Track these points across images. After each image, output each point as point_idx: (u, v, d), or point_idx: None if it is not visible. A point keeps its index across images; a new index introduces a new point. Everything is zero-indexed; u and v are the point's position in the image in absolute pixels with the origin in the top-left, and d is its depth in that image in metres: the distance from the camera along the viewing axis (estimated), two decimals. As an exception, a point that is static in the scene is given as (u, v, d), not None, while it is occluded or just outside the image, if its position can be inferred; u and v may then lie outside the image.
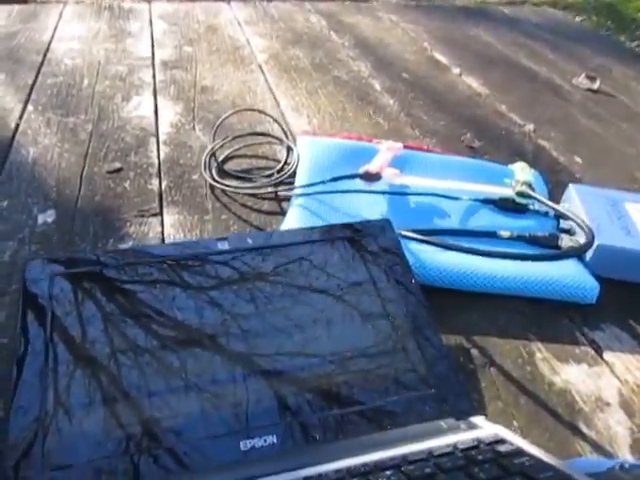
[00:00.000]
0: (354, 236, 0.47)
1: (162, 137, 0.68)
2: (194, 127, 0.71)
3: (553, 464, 0.31)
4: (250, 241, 0.45)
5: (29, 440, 0.34)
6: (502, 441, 0.34)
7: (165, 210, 0.56)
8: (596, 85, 0.94)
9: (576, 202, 0.57)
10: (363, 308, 0.42)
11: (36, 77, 0.80)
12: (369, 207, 0.56)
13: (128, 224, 0.54)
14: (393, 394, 0.38)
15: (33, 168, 0.61)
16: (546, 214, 0.58)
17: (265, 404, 0.37)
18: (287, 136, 0.67)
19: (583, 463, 0.33)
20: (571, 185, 0.59)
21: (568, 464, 0.32)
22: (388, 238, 0.48)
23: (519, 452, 0.32)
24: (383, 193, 0.56)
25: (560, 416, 0.41)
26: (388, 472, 0.31)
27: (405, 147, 0.65)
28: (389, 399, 0.38)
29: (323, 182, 0.55)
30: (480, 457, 0.32)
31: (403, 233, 0.50)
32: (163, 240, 0.53)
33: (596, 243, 0.51)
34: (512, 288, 0.49)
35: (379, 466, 0.32)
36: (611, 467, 0.32)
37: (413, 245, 0.51)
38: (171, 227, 0.54)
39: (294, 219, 0.52)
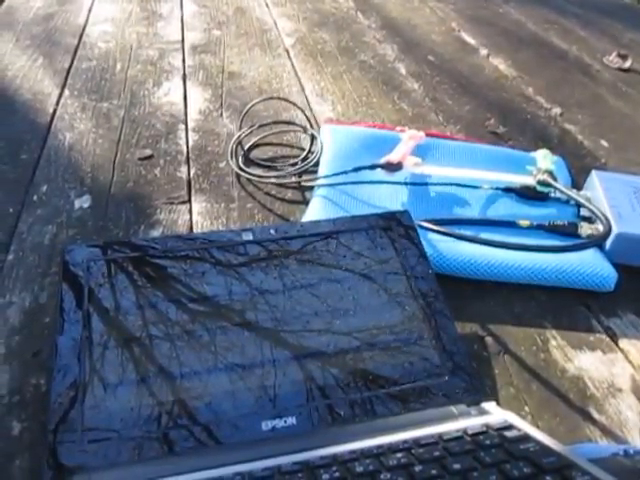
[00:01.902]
0: (373, 227, 0.49)
1: (191, 124, 0.70)
2: (221, 114, 0.73)
3: (557, 450, 0.32)
4: (273, 232, 0.47)
5: (67, 406, 0.37)
6: (510, 427, 0.35)
7: (193, 198, 0.59)
8: (627, 64, 0.92)
9: (598, 189, 0.57)
10: (380, 298, 0.44)
11: (72, 61, 0.83)
12: (390, 197, 0.57)
13: (158, 211, 0.57)
14: (408, 380, 0.40)
15: (69, 154, 0.64)
16: (567, 202, 0.58)
17: (285, 387, 0.39)
18: (311, 124, 0.69)
19: (588, 449, 0.35)
20: (593, 171, 0.59)
21: (573, 449, 0.34)
22: (407, 229, 0.49)
23: (526, 438, 0.34)
24: (404, 184, 0.57)
25: (571, 402, 0.42)
26: (399, 454, 0.33)
27: (427, 135, 0.65)
28: (404, 385, 0.40)
29: (345, 172, 0.57)
30: (487, 442, 0.34)
31: (421, 224, 0.51)
32: (191, 227, 0.55)
33: (616, 231, 0.52)
34: (529, 277, 0.50)
35: (391, 448, 0.34)
36: (615, 452, 0.33)
37: (431, 235, 0.52)
38: (199, 215, 0.57)
39: (316, 210, 0.54)
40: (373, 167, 0.58)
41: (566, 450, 0.33)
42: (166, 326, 0.41)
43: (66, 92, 0.75)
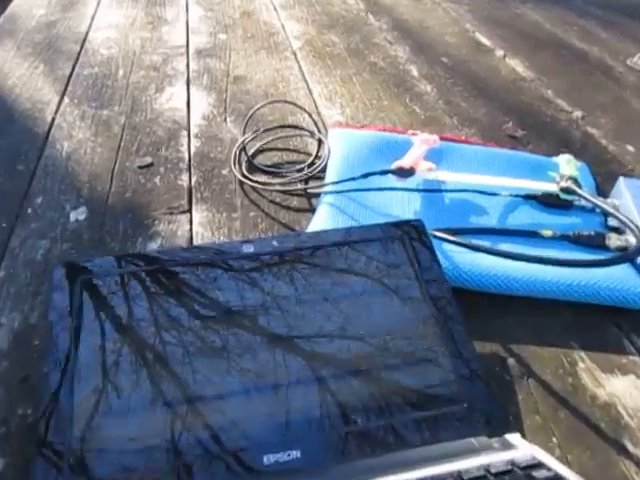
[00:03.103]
0: (383, 239, 0.45)
1: (194, 130, 0.68)
2: (225, 119, 0.70)
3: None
4: (275, 244, 0.44)
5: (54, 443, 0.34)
6: (539, 465, 0.32)
7: (194, 207, 0.56)
8: (652, 65, 0.88)
9: (626, 197, 0.53)
10: (392, 316, 0.41)
11: (73, 68, 0.80)
12: (402, 204, 0.54)
13: (157, 222, 0.54)
14: (422, 409, 0.36)
15: (67, 163, 0.61)
16: (592, 210, 0.54)
17: (289, 416, 0.36)
18: (318, 128, 0.65)
19: None
20: (621, 178, 0.56)
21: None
22: (420, 240, 0.45)
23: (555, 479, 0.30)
24: (416, 191, 0.54)
25: (603, 432, 0.38)
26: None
27: (441, 139, 0.62)
28: (417, 414, 0.36)
29: (354, 179, 0.53)
30: (513, 483, 0.30)
31: (436, 234, 0.48)
32: (191, 239, 0.52)
33: (647, 245, 0.48)
34: (553, 292, 0.46)
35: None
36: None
37: (447, 246, 0.49)
38: (199, 225, 0.54)
39: (323, 219, 0.51)
40: (383, 173, 0.54)
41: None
42: (153, 350, 0.38)
43: (66, 100, 0.73)
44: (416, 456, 0.34)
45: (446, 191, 0.55)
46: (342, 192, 0.53)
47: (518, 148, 0.66)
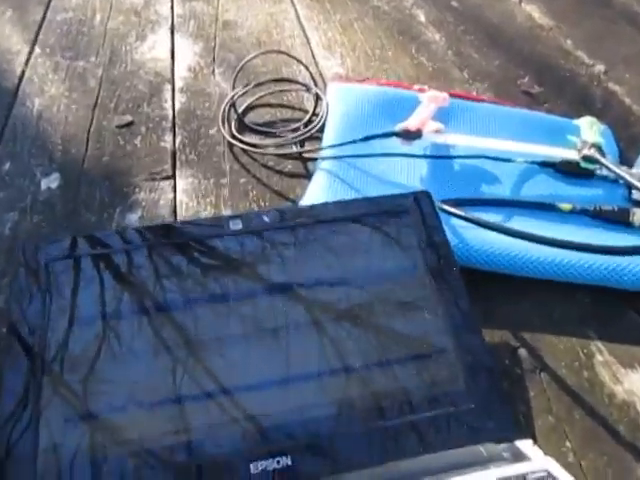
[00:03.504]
0: (386, 213, 0.41)
1: (178, 84, 0.61)
2: (214, 71, 0.63)
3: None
4: (266, 219, 0.40)
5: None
6: (553, 483, 0.28)
7: (178, 173, 0.51)
8: (682, 11, 0.80)
9: (653, 167, 0.48)
10: (393, 305, 0.37)
11: (45, 13, 0.73)
12: (407, 171, 0.49)
13: (137, 190, 0.49)
14: (424, 411, 0.33)
15: (38, 123, 0.56)
16: (616, 181, 0.50)
17: (278, 418, 0.32)
18: (315, 82, 0.59)
19: None
20: (649, 145, 0.50)
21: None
22: (427, 215, 0.41)
23: (573, 504, 0.27)
24: (422, 157, 0.49)
25: (621, 436, 0.35)
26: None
27: (451, 95, 0.56)
28: (418, 417, 0.33)
29: (354, 141, 0.48)
30: (527, 510, 0.27)
31: (445, 207, 0.43)
32: (175, 209, 0.47)
33: (676, 223, 0.43)
34: (572, 275, 0.42)
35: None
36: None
37: (456, 220, 0.44)
38: (184, 193, 0.49)
39: (319, 188, 0.46)
40: (387, 135, 0.49)
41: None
42: (129, 343, 0.34)
43: (37, 50, 0.66)
44: (416, 467, 0.31)
45: (456, 157, 0.50)
46: (341, 157, 0.48)
47: (534, 107, 0.61)
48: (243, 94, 0.58)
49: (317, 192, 0.46)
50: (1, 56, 0.65)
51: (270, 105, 0.59)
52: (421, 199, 0.41)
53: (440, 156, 0.49)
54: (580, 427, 0.35)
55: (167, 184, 0.50)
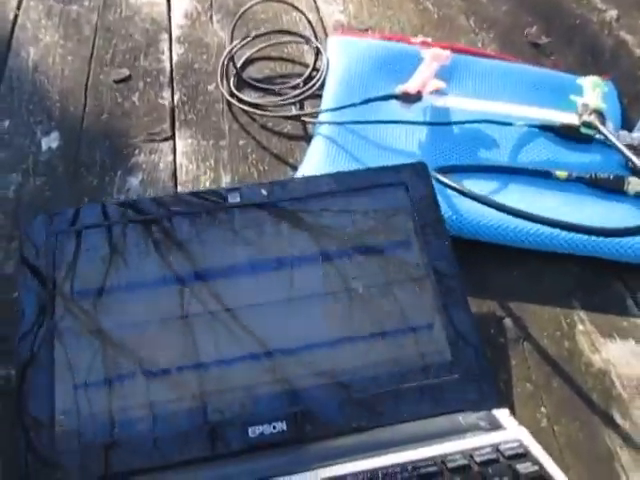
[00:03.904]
0: (381, 186, 0.41)
1: (175, 32, 0.60)
2: (211, 17, 0.61)
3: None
4: (264, 192, 0.40)
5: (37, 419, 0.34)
6: (524, 455, 0.31)
7: (177, 133, 0.51)
8: None
9: (654, 133, 0.48)
10: (385, 280, 0.38)
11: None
12: (405, 136, 0.49)
13: (137, 151, 0.49)
14: (410, 381, 0.35)
15: (34, 76, 0.55)
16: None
17: (275, 386, 0.35)
18: (316, 34, 0.57)
19: None
20: (652, 109, 0.50)
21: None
22: (422, 188, 0.41)
23: (539, 477, 0.30)
24: (420, 124, 0.49)
25: (594, 403, 0.38)
26: (397, 488, 0.30)
27: (454, 50, 0.55)
28: (404, 387, 0.35)
29: (353, 105, 0.48)
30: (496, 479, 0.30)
31: (439, 177, 0.44)
32: (175, 172, 0.48)
33: (670, 194, 0.44)
34: (560, 247, 0.43)
35: (387, 475, 0.31)
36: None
37: (451, 190, 0.45)
38: (183, 155, 0.49)
39: (318, 155, 0.46)
40: (386, 98, 0.48)
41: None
42: (136, 316, 0.36)
43: (28, -9, 0.64)
44: (399, 434, 0.34)
45: (455, 123, 0.49)
46: (339, 124, 0.48)
47: (540, 59, 0.59)
48: (242, 47, 0.57)
49: (315, 160, 0.46)
50: (-9, -1, 0.63)
51: (270, 58, 0.57)
52: (417, 171, 0.42)
53: (439, 123, 0.49)
54: (556, 394, 0.38)
55: (167, 145, 0.50)
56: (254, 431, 0.34)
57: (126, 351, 0.35)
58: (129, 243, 0.38)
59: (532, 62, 0.59)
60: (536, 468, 0.30)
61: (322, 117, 0.49)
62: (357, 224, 0.40)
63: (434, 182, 0.42)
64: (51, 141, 0.50)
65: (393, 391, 0.35)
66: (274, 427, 0.34)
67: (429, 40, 0.56)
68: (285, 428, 0.34)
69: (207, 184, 0.47)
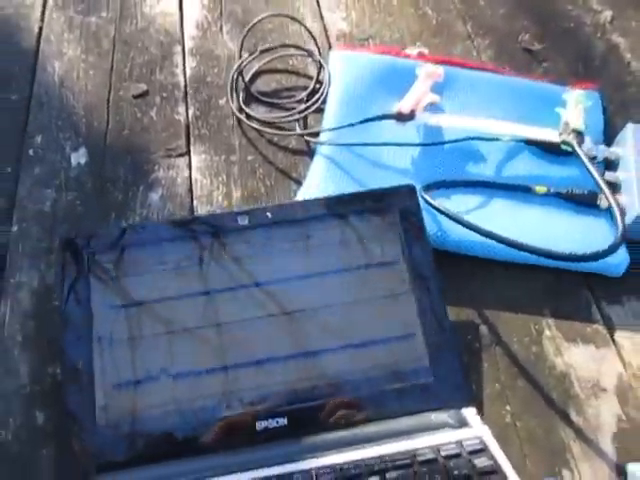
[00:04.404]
0: (373, 208, 0.46)
1: (188, 44, 0.64)
2: (221, 28, 0.65)
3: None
4: (269, 215, 0.46)
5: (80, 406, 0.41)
6: (483, 450, 0.37)
7: (192, 148, 0.56)
8: None
9: (630, 149, 0.52)
10: (374, 294, 0.44)
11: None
12: (400, 152, 0.53)
13: (156, 167, 0.55)
14: (392, 383, 0.42)
15: (61, 91, 0.60)
16: (594, 159, 0.53)
17: (277, 390, 0.41)
18: (319, 47, 0.61)
19: None
20: (630, 125, 0.53)
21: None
22: (410, 209, 0.47)
23: (493, 471, 0.36)
24: (413, 145, 0.53)
25: (553, 401, 0.44)
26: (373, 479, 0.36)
27: (448, 63, 0.58)
28: (387, 389, 0.41)
29: (352, 125, 0.52)
30: (456, 472, 0.36)
31: (426, 197, 0.48)
32: (191, 187, 0.54)
33: (637, 213, 0.48)
34: (533, 259, 0.48)
35: (368, 466, 0.37)
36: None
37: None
38: (198, 171, 0.54)
39: (318, 176, 0.51)
40: (382, 118, 0.53)
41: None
42: (158, 324, 0.43)
43: (49, 2, 0.67)
44: (380, 430, 0.40)
45: (446, 143, 0.53)
46: (338, 145, 0.53)
47: (532, 66, 0.62)
48: (250, 61, 0.61)
49: (315, 182, 0.51)
50: (16, 10, 0.67)
51: (276, 70, 0.61)
52: (406, 194, 0.47)
53: (431, 143, 0.53)
54: (520, 394, 0.44)
55: (183, 161, 0.55)
56: (260, 425, 0.41)
57: (154, 356, 0.42)
58: (154, 262, 0.44)
59: (525, 68, 0.62)
60: (491, 462, 0.37)
61: (323, 136, 0.54)
62: (350, 244, 0.45)
63: (421, 201, 0.47)
64: (79, 157, 0.56)
65: (377, 393, 0.41)
66: (277, 422, 0.41)
67: (425, 52, 0.60)
68: (286, 423, 0.41)
69: (220, 199, 0.53)
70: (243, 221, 0.46)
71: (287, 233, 0.45)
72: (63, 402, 0.40)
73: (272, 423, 0.41)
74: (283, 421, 0.41)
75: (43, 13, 0.67)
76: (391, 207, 0.46)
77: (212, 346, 0.43)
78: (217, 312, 0.43)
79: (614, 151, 0.53)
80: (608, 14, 0.67)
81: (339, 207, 0.46)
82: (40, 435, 0.42)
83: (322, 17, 0.66)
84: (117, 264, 0.44)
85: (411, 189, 0.47)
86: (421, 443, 0.38)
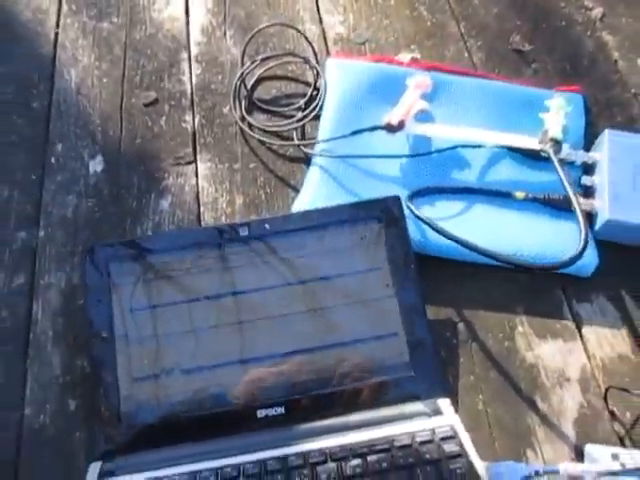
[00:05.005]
0: (362, 219, 0.51)
1: (193, 50, 0.67)
2: (225, 33, 0.69)
3: (479, 474, 0.41)
4: (267, 227, 0.51)
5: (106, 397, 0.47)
6: (452, 437, 0.43)
7: (198, 157, 0.61)
8: None
9: (604, 153, 0.55)
10: (361, 298, 0.49)
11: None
12: (390, 161, 0.57)
13: (166, 175, 0.60)
14: (377, 377, 0.47)
15: (77, 99, 0.65)
16: (572, 163, 0.57)
17: (277, 383, 0.47)
18: (316, 55, 0.64)
19: (503, 468, 0.42)
20: (607, 131, 0.56)
21: (492, 467, 0.42)
22: (394, 219, 0.51)
23: (458, 455, 0.42)
24: (402, 157, 0.57)
25: (522, 391, 0.49)
26: (355, 462, 0.42)
27: (437, 69, 0.61)
28: (371, 382, 0.47)
29: (344, 136, 0.56)
30: (427, 456, 0.42)
31: (411, 207, 0.53)
32: (197, 195, 0.59)
33: (607, 217, 0.52)
34: (511, 262, 0.52)
35: (352, 450, 0.43)
36: (527, 476, 0.41)
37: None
38: (204, 179, 0.59)
39: (313, 186, 0.56)
40: (373, 129, 0.57)
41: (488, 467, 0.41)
42: (177, 325, 0.49)
43: (64, 7, 0.71)
44: (364, 418, 0.46)
45: (433, 152, 0.57)
46: (331, 157, 0.57)
47: (521, 67, 0.65)
48: (252, 69, 0.64)
49: (310, 192, 0.55)
50: (34, 15, 0.71)
51: (276, 77, 0.65)
52: (391, 205, 0.51)
53: (418, 154, 0.57)
54: (492, 384, 0.50)
55: (190, 169, 0.60)
56: (261, 413, 0.47)
57: (169, 353, 0.48)
58: (167, 269, 0.50)
59: (514, 70, 0.65)
60: (458, 448, 0.42)
61: (318, 147, 0.58)
62: (340, 252, 0.50)
63: (406, 209, 0.51)
64: (96, 164, 0.61)
65: (363, 385, 0.47)
66: (276, 410, 0.47)
67: (418, 57, 0.63)
68: (283, 412, 0.47)
69: (224, 205, 0.58)
70: (244, 232, 0.51)
71: (283, 242, 0.50)
72: (93, 391, 0.47)
73: (271, 412, 0.47)
74: (281, 410, 0.47)
75: (58, 18, 0.71)
76: (378, 217, 0.51)
77: (220, 345, 0.48)
78: (220, 314, 0.49)
79: (592, 156, 0.56)
80: (599, 11, 0.69)
81: (330, 218, 0.51)
82: (73, 420, 0.49)
83: (321, 20, 0.69)
84: (133, 271, 0.50)
85: (396, 199, 0.51)
86: (399, 430, 0.44)
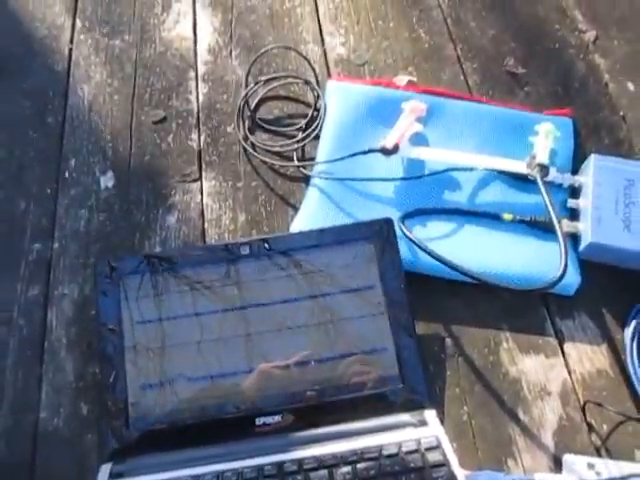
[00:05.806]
0: (356, 240, 0.54)
1: (200, 70, 0.70)
2: (231, 53, 0.72)
3: (460, 480, 0.44)
4: (267, 246, 0.54)
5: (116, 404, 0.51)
6: (436, 447, 0.46)
7: (204, 174, 0.64)
8: None
9: (589, 178, 0.58)
10: (354, 315, 0.52)
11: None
12: (385, 184, 0.60)
13: (173, 192, 0.63)
14: (368, 389, 0.51)
15: (90, 116, 0.68)
16: (560, 186, 0.60)
17: (274, 392, 0.51)
18: (317, 77, 0.67)
19: (483, 477, 0.46)
20: (593, 156, 0.59)
21: (473, 477, 0.45)
22: (387, 240, 0.54)
23: (441, 464, 0.45)
24: (395, 180, 0.60)
25: (505, 403, 0.52)
26: (345, 469, 0.46)
27: (431, 93, 0.64)
28: (362, 394, 0.50)
29: (342, 159, 0.59)
30: (412, 465, 0.45)
31: (403, 229, 0.56)
32: (202, 212, 0.62)
33: (589, 240, 0.55)
34: (497, 281, 0.55)
35: (343, 458, 0.46)
36: (506, 485, 0.44)
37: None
38: (208, 196, 0.63)
39: (311, 206, 0.59)
40: (368, 152, 0.60)
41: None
42: (180, 337, 0.52)
43: (78, 23, 0.74)
44: (355, 428, 0.49)
45: (426, 175, 0.60)
46: (330, 176, 0.60)
47: (514, 90, 0.68)
48: (255, 90, 0.68)
49: (308, 212, 0.59)
50: (49, 31, 0.74)
51: (279, 97, 0.68)
52: (384, 227, 0.54)
53: (412, 177, 0.60)
54: (477, 397, 0.53)
55: (196, 186, 0.63)
56: (259, 421, 0.50)
57: (174, 363, 0.52)
58: (173, 283, 0.53)
59: (507, 93, 0.68)
60: (441, 457, 0.46)
61: (316, 168, 0.61)
62: (335, 271, 0.54)
63: (398, 230, 0.55)
64: (107, 180, 0.64)
65: (354, 397, 0.51)
66: (273, 418, 0.50)
67: (414, 80, 0.66)
68: (280, 420, 0.50)
69: (227, 222, 0.61)
70: (245, 251, 0.54)
71: (281, 261, 0.54)
72: (103, 396, 0.50)
73: (269, 419, 0.50)
74: (278, 418, 0.50)
75: (72, 34, 0.74)
76: (371, 238, 0.54)
77: (223, 355, 0.52)
78: (221, 328, 0.52)
79: (578, 179, 0.59)
80: (592, 34, 0.71)
81: (326, 238, 0.54)
82: (85, 423, 0.53)
83: (323, 41, 0.72)
84: (144, 284, 0.53)
85: (388, 221, 0.54)
86: (387, 439, 0.48)
